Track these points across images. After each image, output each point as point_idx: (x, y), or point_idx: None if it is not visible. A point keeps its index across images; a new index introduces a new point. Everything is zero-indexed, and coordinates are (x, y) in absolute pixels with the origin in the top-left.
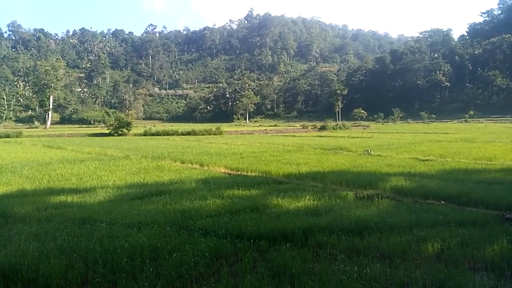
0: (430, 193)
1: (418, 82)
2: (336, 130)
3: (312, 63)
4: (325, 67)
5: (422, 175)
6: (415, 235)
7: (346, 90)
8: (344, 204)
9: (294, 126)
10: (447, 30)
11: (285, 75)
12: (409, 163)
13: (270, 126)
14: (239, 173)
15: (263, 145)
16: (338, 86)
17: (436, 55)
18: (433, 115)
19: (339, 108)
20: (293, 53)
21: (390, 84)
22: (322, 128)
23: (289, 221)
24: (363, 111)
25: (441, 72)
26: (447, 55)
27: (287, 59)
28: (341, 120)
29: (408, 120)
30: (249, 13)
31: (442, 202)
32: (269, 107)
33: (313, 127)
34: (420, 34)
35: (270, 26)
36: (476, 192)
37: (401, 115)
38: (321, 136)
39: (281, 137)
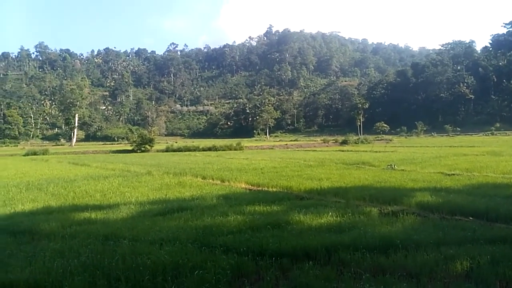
0: (457, 209)
1: (442, 94)
2: (358, 144)
3: (332, 77)
4: (345, 81)
5: (448, 190)
6: (443, 253)
7: (367, 104)
8: (368, 220)
9: (315, 141)
10: (469, 42)
11: (305, 90)
12: (434, 177)
13: (291, 140)
14: (260, 188)
15: (283, 160)
16: (359, 100)
17: (459, 67)
18: (457, 128)
19: (360, 122)
20: (312, 68)
21: (413, 97)
22: (344, 142)
23: (312, 238)
24: (385, 125)
25: (465, 84)
26: (470, 67)
27: (307, 74)
28: (363, 134)
29: (432, 133)
30: (268, 29)
31: (470, 218)
32: (289, 122)
33: (334, 141)
34: (441, 46)
35: (289, 42)
36: (505, 208)
37: (424, 128)
38: (342, 151)
39: (302, 152)
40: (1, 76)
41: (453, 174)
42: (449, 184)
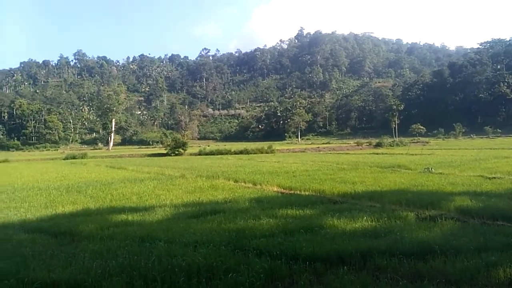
0: (498, 214)
1: (481, 95)
2: (393, 147)
3: (365, 79)
4: (379, 82)
5: (489, 194)
6: (484, 260)
7: (402, 105)
8: (404, 225)
9: (347, 144)
10: (509, 40)
11: (337, 92)
12: (474, 181)
13: (323, 143)
14: (292, 192)
15: (316, 163)
16: (393, 101)
17: (499, 67)
18: (498, 130)
19: (395, 124)
20: (345, 69)
21: (450, 98)
22: (378, 145)
23: (346, 243)
24: (422, 127)
25: (506, 84)
26: (511, 66)
27: (339, 76)
28: (398, 137)
29: (471, 135)
30: (300, 32)
31: None
32: (321, 125)
33: (368, 144)
34: (480, 45)
35: (321, 44)
36: None
37: (463, 130)
38: (377, 154)
39: (335, 155)
40: (42, 83)
41: (494, 178)
42: (490, 188)
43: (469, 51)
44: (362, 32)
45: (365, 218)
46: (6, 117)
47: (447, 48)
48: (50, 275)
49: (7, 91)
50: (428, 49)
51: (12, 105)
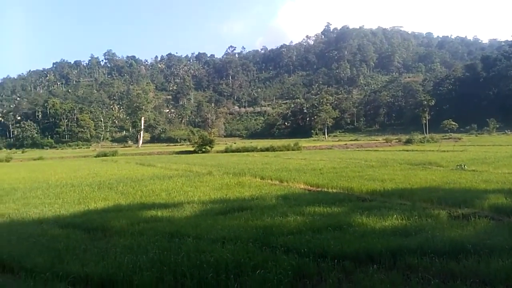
0: None
1: None
2: (423, 143)
3: (394, 74)
4: (408, 77)
5: None
6: None
7: (433, 101)
8: (436, 224)
9: (376, 140)
10: None
11: (365, 88)
12: (509, 178)
13: (350, 140)
14: (319, 189)
15: (343, 161)
16: (424, 96)
17: None
18: None
19: (426, 120)
20: (373, 64)
21: (483, 92)
22: (408, 141)
23: (376, 241)
24: (454, 123)
25: None
26: None
27: (367, 71)
28: (428, 133)
29: (506, 131)
30: (326, 27)
31: None
32: (349, 121)
33: (397, 140)
34: None
35: (348, 39)
36: None
37: (497, 126)
38: (407, 150)
39: (363, 152)
40: (74, 83)
41: None
42: None
43: (503, 43)
44: (390, 26)
45: (395, 216)
46: (40, 116)
47: (480, 41)
48: (84, 269)
49: (41, 91)
50: (460, 42)
51: (45, 104)
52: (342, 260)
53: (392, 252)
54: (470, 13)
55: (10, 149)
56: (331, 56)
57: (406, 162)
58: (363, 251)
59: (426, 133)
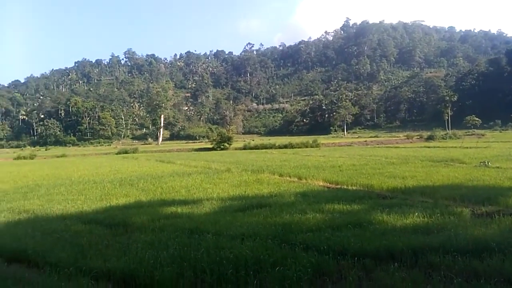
0: None
1: None
2: (445, 140)
3: (415, 69)
4: (430, 72)
5: None
6: None
7: (455, 96)
8: (459, 222)
9: (397, 137)
10: None
11: (386, 83)
12: None
13: (370, 137)
14: (338, 186)
15: (363, 158)
16: (446, 92)
17: None
18: None
19: (448, 116)
20: (393, 60)
21: (508, 87)
22: (430, 138)
23: (396, 239)
24: (477, 119)
25: None
26: None
27: (387, 67)
28: (451, 129)
29: None
30: (345, 22)
31: None
32: (369, 118)
33: (418, 137)
34: None
35: (368, 34)
36: None
37: None
38: (428, 147)
39: (383, 149)
40: (95, 81)
41: None
42: None
43: None
44: (411, 20)
45: (416, 214)
46: (62, 114)
47: (504, 34)
48: (106, 264)
49: (63, 90)
50: (484, 36)
51: (68, 102)
52: (362, 258)
53: (413, 250)
54: (494, 6)
55: (34, 147)
56: (350, 51)
57: (428, 159)
58: (383, 249)
59: (448, 129)
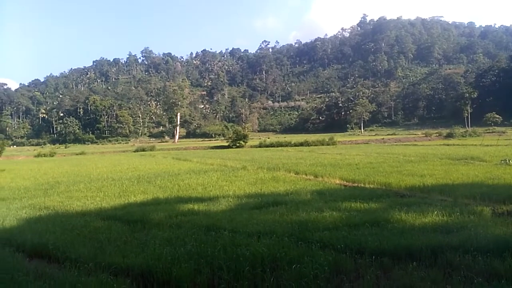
0: None
1: None
2: (465, 137)
3: (434, 65)
4: (449, 69)
5: None
6: None
7: (475, 93)
8: (479, 221)
9: (415, 134)
10: None
11: (403, 80)
12: None
13: (388, 135)
14: (355, 184)
15: (380, 155)
16: (466, 88)
17: None
18: None
19: (468, 113)
20: (411, 56)
21: None
22: (449, 135)
23: (415, 238)
24: (498, 116)
25: None
26: None
27: (405, 63)
28: (470, 127)
29: None
30: (362, 19)
31: None
32: (386, 115)
33: (437, 134)
34: None
35: (385, 30)
36: None
37: None
38: (447, 145)
39: (401, 147)
40: (113, 80)
41: None
42: None
43: None
44: (430, 16)
45: (435, 212)
46: (81, 112)
47: None
48: (125, 260)
49: (82, 88)
50: (505, 31)
51: (86, 101)
52: (380, 257)
53: (432, 249)
54: None
55: (53, 145)
56: (367, 48)
57: (447, 157)
58: (402, 248)
59: (468, 127)
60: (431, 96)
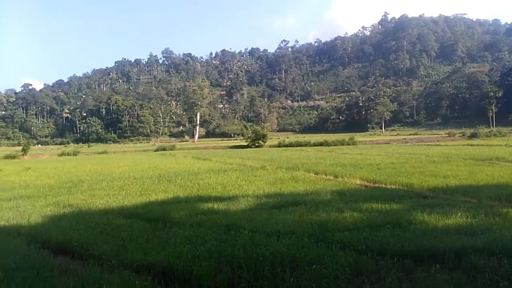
0: None
1: None
2: (490, 137)
3: (457, 64)
4: (473, 67)
5: None
6: None
7: (501, 92)
8: (504, 223)
9: (438, 134)
10: None
11: (426, 79)
12: None
13: (410, 134)
14: (376, 185)
15: (402, 156)
16: (490, 87)
17: None
18: None
19: (492, 113)
20: (434, 54)
21: None
22: (473, 135)
23: (438, 239)
24: None
25: None
26: None
27: (428, 62)
28: (495, 126)
29: None
30: (383, 17)
31: None
32: (408, 115)
33: (461, 134)
34: None
35: (407, 29)
36: None
37: None
38: (471, 145)
39: (423, 147)
40: (135, 80)
41: None
42: None
43: None
44: (453, 13)
45: (459, 214)
46: (104, 112)
47: None
48: (146, 258)
49: (104, 89)
50: None
51: (109, 101)
52: (402, 259)
53: (456, 251)
54: None
55: (77, 144)
56: (388, 46)
57: (471, 158)
58: (424, 250)
59: (492, 126)
60: (454, 95)
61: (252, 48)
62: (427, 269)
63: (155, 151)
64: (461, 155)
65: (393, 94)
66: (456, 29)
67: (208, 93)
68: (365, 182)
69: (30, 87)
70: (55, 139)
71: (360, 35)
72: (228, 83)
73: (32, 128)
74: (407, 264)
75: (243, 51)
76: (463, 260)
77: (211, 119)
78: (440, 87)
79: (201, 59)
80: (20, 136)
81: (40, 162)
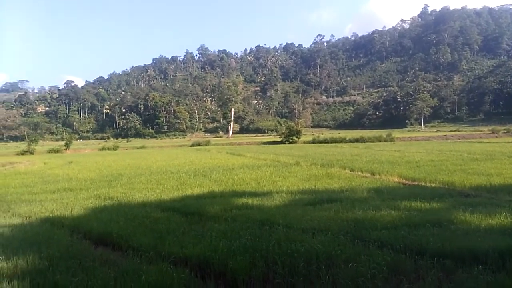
0: None
1: None
2: None
3: (502, 57)
4: None
5: None
6: None
7: None
8: None
9: (480, 131)
10: None
11: (468, 74)
12: None
13: (451, 131)
14: (415, 183)
15: (442, 153)
16: None
17: None
18: None
19: None
20: (477, 48)
21: None
22: None
23: (481, 240)
24: None
25: None
26: None
27: (470, 56)
28: None
29: None
30: (423, 9)
31: None
32: (449, 110)
33: (505, 131)
34: None
35: (448, 21)
36: None
37: None
38: None
39: (465, 144)
40: (171, 77)
41: None
42: None
43: None
44: (498, 5)
45: (503, 214)
46: (142, 108)
47: None
48: (183, 251)
49: (142, 85)
50: None
51: (146, 97)
52: (442, 259)
53: (500, 253)
54: None
55: (116, 139)
56: (429, 40)
57: None
58: (466, 250)
59: None
60: (498, 90)
61: (286, 43)
62: (468, 270)
63: (190, 146)
64: (505, 152)
65: (433, 89)
66: (501, 21)
67: (242, 89)
68: (404, 180)
69: (72, 84)
70: (96, 134)
71: (399, 28)
72: (262, 79)
73: (74, 123)
74: (448, 265)
75: (277, 46)
76: (508, 262)
77: (245, 115)
78: (483, 81)
79: (236, 55)
80: (63, 131)
81: (82, 156)
